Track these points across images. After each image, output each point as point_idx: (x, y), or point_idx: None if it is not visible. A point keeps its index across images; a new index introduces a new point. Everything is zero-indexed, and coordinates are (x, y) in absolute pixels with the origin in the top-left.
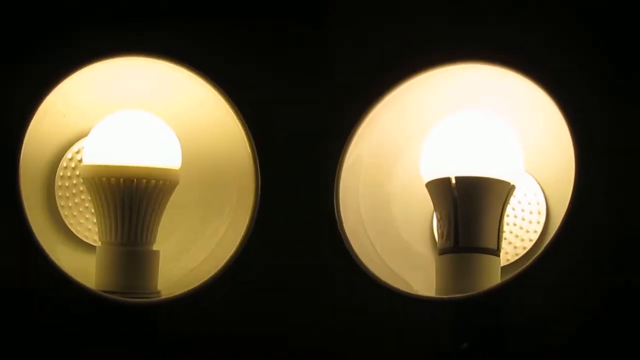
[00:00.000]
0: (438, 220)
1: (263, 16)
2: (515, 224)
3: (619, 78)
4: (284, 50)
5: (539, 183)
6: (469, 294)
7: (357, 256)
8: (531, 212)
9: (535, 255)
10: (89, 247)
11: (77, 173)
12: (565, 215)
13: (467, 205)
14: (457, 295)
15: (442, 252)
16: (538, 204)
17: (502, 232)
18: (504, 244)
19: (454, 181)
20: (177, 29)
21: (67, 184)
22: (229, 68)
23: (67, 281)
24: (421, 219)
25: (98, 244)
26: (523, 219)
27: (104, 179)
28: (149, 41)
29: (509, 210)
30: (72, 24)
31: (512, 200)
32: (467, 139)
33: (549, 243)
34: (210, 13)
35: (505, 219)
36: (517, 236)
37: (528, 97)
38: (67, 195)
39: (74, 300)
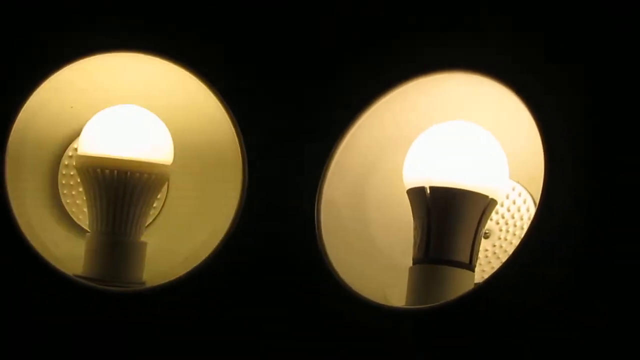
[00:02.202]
0: (414, 229)
1: (256, 17)
2: (506, 239)
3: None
4: (276, 53)
5: (533, 198)
6: (430, 305)
7: (331, 264)
8: (522, 227)
9: (499, 267)
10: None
11: None
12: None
13: (440, 216)
14: (417, 306)
15: (414, 262)
16: (530, 219)
17: (478, 246)
18: (491, 259)
19: (428, 191)
20: (171, 26)
21: (71, 173)
22: (221, 66)
23: (48, 267)
24: (402, 227)
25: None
26: (514, 234)
27: (94, 169)
28: (144, 38)
29: (501, 225)
30: (68, 18)
31: (506, 214)
32: (446, 149)
33: (512, 254)
34: (202, 10)
35: (498, 234)
36: (505, 251)
37: (523, 111)
38: (71, 183)
39: (55, 287)
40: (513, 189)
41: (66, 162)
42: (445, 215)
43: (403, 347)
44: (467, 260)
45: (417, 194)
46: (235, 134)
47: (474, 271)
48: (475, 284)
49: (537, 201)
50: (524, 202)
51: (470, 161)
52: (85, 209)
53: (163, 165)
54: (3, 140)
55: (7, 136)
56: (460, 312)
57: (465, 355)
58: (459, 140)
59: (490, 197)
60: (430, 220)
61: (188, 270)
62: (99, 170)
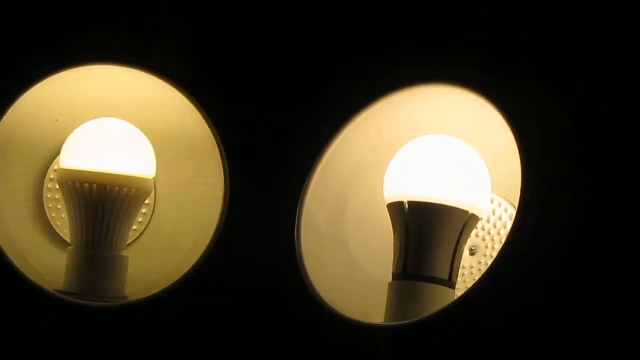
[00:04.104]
0: (393, 245)
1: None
2: (492, 255)
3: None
4: (259, 61)
5: None
6: (407, 321)
7: (308, 278)
8: None
9: (475, 281)
10: None
11: None
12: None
13: (419, 231)
14: (395, 323)
15: (393, 277)
16: None
17: (459, 262)
18: (476, 275)
19: (407, 205)
20: (149, 37)
21: (56, 187)
22: (202, 77)
23: (27, 282)
24: (382, 243)
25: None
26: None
27: (77, 183)
28: (125, 50)
29: (485, 241)
30: (49, 31)
31: (492, 230)
32: (425, 163)
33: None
34: (183, 19)
35: (484, 250)
36: None
37: (501, 123)
38: (56, 197)
39: (34, 302)
40: (499, 205)
41: (51, 176)
42: (423, 230)
43: None
44: (445, 277)
45: (395, 209)
46: (217, 146)
47: (454, 288)
48: None
49: None
50: (510, 218)
51: (449, 175)
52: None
53: (144, 179)
54: None
55: None
56: (437, 327)
57: None
58: (439, 154)
59: (471, 212)
60: (408, 235)
61: (170, 283)
62: (78, 184)
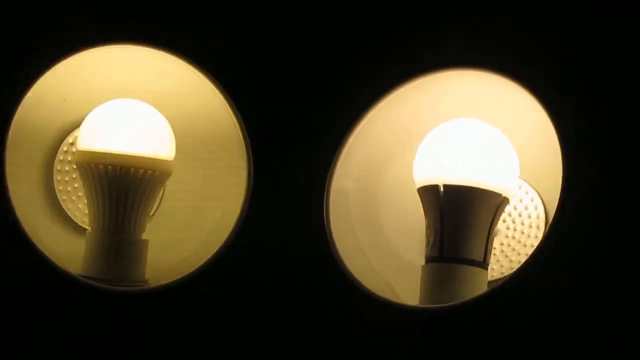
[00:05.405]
0: (426, 228)
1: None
2: (514, 237)
3: (606, 81)
4: (283, 48)
5: (540, 197)
6: (448, 304)
7: (342, 260)
8: (530, 226)
9: (518, 267)
10: (85, 232)
11: None
12: (550, 226)
13: (454, 214)
14: (434, 306)
15: (427, 260)
16: (538, 217)
17: (492, 244)
18: (499, 257)
19: (442, 189)
20: (175, 18)
21: (66, 168)
22: (224, 59)
23: (51, 266)
24: (413, 226)
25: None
26: (522, 232)
27: (94, 165)
28: (148, 31)
29: (508, 223)
30: (69, 10)
31: (513, 213)
32: (459, 146)
33: (532, 255)
34: (208, 3)
35: (505, 232)
36: (514, 249)
37: (532, 109)
38: (67, 179)
39: (57, 286)
40: (519, 187)
41: (61, 158)
42: (459, 213)
43: (418, 346)
44: (480, 259)
45: (429, 192)
46: (239, 129)
47: (487, 269)
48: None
49: (544, 199)
50: (532, 200)
51: (484, 159)
52: (81, 206)
53: (165, 161)
54: (3, 137)
55: (6, 133)
56: (477, 312)
57: (478, 356)
58: (471, 138)
59: (504, 195)
60: (443, 218)
61: (194, 268)
62: (101, 166)
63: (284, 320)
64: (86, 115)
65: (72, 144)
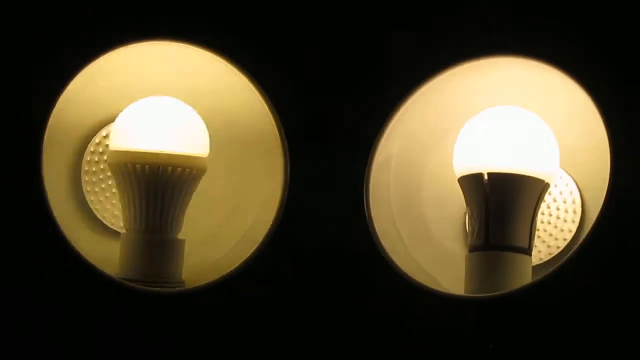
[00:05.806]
0: (469, 217)
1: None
2: (549, 222)
3: None
4: (317, 42)
5: (575, 182)
6: (497, 293)
7: (386, 252)
8: (566, 211)
9: (567, 256)
10: (114, 234)
11: (105, 158)
12: (599, 216)
13: (499, 202)
14: (484, 295)
15: (472, 249)
16: (574, 202)
17: (535, 230)
18: (537, 243)
19: (486, 177)
20: (211, 15)
21: (94, 169)
22: (260, 57)
23: (90, 269)
24: (453, 215)
25: (123, 230)
26: (558, 218)
27: (129, 165)
28: (182, 28)
29: (543, 208)
30: (101, 7)
31: (547, 198)
32: (501, 134)
33: (581, 243)
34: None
35: (540, 217)
36: (550, 235)
37: (567, 94)
38: (94, 180)
39: (95, 288)
40: None
41: (88, 158)
42: (504, 201)
43: (466, 335)
44: (526, 245)
45: (472, 181)
46: (276, 127)
47: (531, 256)
48: None
49: (580, 185)
50: (566, 185)
51: (527, 146)
52: (109, 206)
53: (200, 158)
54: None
55: (42, 135)
56: (525, 301)
57: (528, 345)
58: (511, 125)
59: (546, 181)
60: (488, 206)
61: (231, 267)
62: (138, 166)
63: (327, 321)
64: (116, 114)
65: (98, 144)
